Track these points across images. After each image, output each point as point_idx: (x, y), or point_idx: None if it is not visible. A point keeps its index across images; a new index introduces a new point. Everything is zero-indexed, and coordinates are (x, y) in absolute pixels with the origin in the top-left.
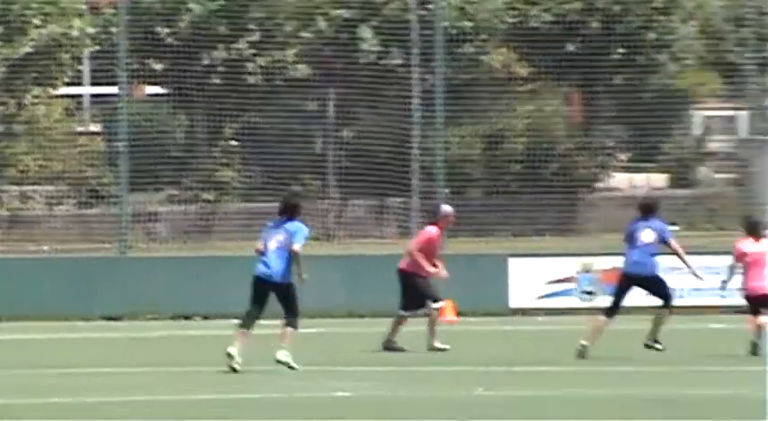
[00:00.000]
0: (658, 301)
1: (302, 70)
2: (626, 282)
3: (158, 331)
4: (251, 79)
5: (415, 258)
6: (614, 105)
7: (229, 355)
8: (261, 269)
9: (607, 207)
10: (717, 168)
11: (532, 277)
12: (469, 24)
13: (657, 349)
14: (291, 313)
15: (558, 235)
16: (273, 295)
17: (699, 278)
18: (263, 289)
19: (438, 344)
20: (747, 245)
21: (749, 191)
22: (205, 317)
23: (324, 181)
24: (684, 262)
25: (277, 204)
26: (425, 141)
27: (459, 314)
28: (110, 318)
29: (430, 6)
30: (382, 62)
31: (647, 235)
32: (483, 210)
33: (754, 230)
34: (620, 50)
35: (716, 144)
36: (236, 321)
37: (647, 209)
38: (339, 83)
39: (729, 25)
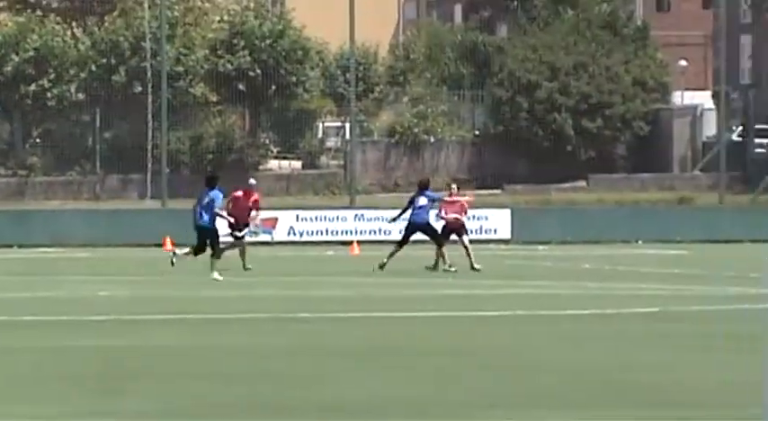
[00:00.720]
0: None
1: (80, 96)
2: (411, 227)
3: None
4: (49, 103)
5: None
6: (270, 119)
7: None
8: (198, 220)
9: (266, 180)
10: (332, 157)
11: (222, 222)
12: (182, 69)
13: (453, 271)
14: (214, 247)
15: None
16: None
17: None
18: (199, 232)
19: None
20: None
21: (351, 170)
22: (20, 245)
23: (93, 163)
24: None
25: (66, 178)
26: (156, 139)
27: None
28: None
29: (158, 58)
30: (130, 91)
31: (422, 200)
32: (190, 182)
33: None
34: (273, 87)
35: (331, 143)
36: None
37: (422, 185)
38: (102, 104)
39: (340, 70)
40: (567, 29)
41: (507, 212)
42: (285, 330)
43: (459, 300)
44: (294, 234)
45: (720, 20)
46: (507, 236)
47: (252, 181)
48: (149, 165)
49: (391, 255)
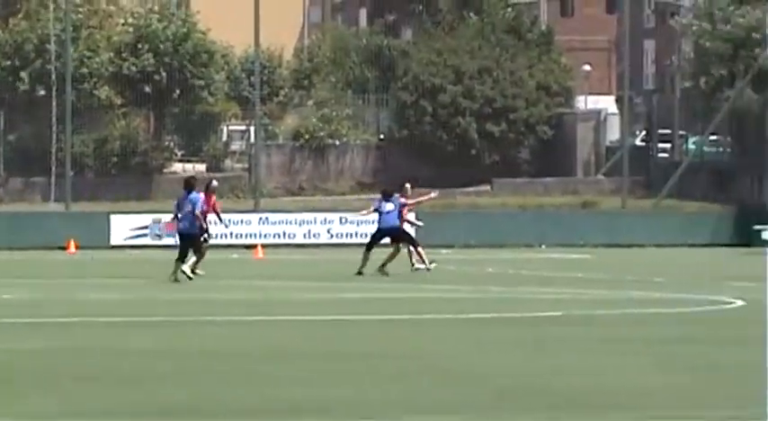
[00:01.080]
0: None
1: None
2: (380, 234)
3: None
4: None
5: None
6: (175, 122)
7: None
8: (179, 226)
9: (170, 183)
10: (236, 160)
11: (125, 225)
12: (86, 71)
13: (387, 274)
14: (197, 251)
15: (140, 200)
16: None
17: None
18: (181, 238)
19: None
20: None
21: (256, 174)
22: None
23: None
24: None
25: None
26: (60, 142)
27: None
28: None
29: (62, 61)
30: (34, 94)
31: (389, 206)
32: (94, 185)
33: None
34: (178, 90)
35: (235, 146)
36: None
37: (387, 193)
38: (6, 106)
39: (245, 73)
40: (471, 33)
41: (411, 216)
42: (187, 333)
43: (363, 304)
44: None
45: (624, 25)
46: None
47: (214, 183)
48: (53, 168)
49: (365, 260)
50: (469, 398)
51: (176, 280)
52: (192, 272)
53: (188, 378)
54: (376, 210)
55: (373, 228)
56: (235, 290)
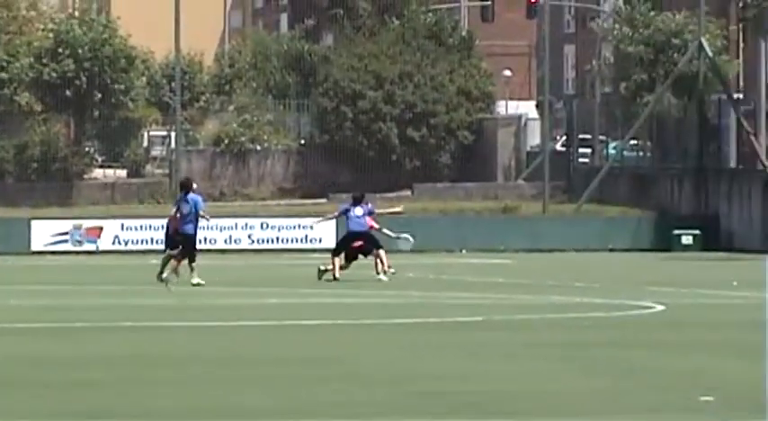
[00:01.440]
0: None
1: None
2: (350, 237)
3: None
4: None
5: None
6: (95, 128)
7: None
8: (184, 228)
9: (91, 189)
10: (157, 166)
11: (47, 231)
12: (6, 76)
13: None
14: (191, 255)
15: (61, 206)
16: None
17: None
18: (186, 240)
19: None
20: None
21: (177, 180)
22: None
23: None
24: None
25: None
26: None
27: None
28: None
29: None
30: None
31: (359, 210)
32: (14, 191)
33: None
34: (98, 95)
35: (156, 152)
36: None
37: (357, 198)
38: None
39: (165, 79)
40: (392, 38)
41: (332, 222)
42: (106, 339)
43: (281, 309)
44: (119, 243)
45: (544, 30)
46: (332, 245)
47: (194, 186)
48: None
49: (337, 266)
50: (390, 403)
51: (198, 283)
52: (162, 274)
53: (106, 384)
54: (343, 214)
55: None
56: (154, 295)
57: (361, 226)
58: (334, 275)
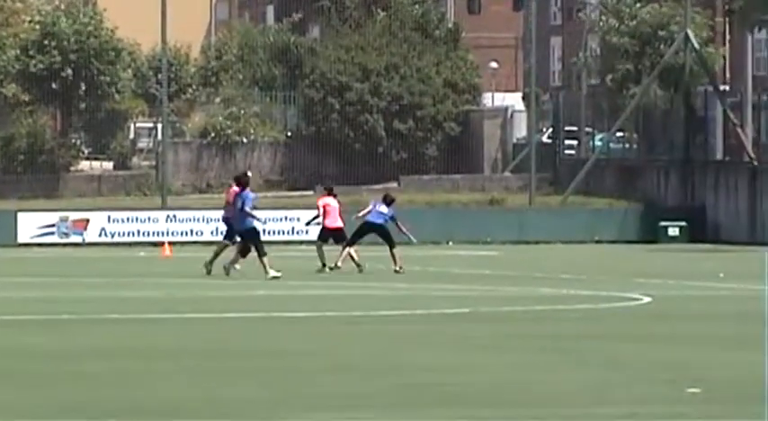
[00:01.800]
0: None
1: None
2: (366, 227)
3: None
4: None
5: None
6: (82, 120)
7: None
8: (236, 225)
9: (77, 181)
10: (144, 158)
11: (33, 223)
12: None
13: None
14: (258, 248)
15: (47, 198)
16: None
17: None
18: (242, 235)
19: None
20: (326, 199)
21: (163, 172)
22: None
23: None
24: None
25: None
26: None
27: None
28: None
29: None
30: None
31: (383, 208)
32: (1, 183)
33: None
34: (84, 87)
35: (143, 144)
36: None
37: (389, 199)
38: None
39: (152, 71)
40: (379, 30)
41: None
42: (93, 332)
43: (268, 302)
44: (106, 235)
45: (530, 22)
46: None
47: (249, 174)
48: None
49: (344, 255)
50: (377, 394)
51: (275, 276)
52: (209, 264)
53: (95, 377)
54: (371, 207)
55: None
56: (141, 287)
57: (380, 218)
58: (336, 264)
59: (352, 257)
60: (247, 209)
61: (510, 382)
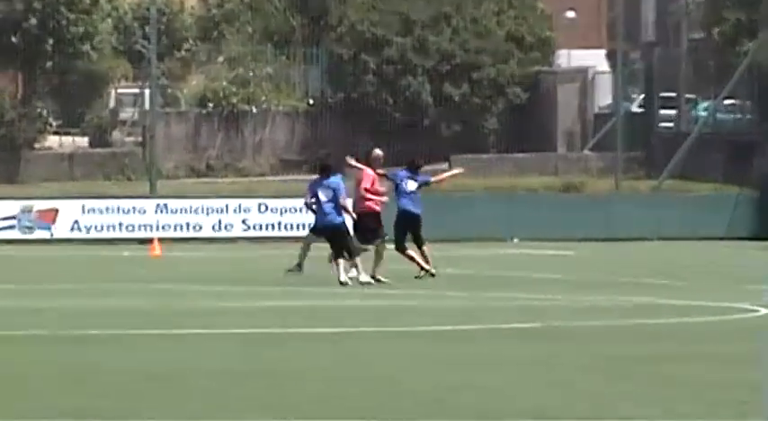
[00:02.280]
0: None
1: None
2: (407, 220)
3: None
4: None
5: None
6: (48, 84)
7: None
8: (321, 220)
9: (43, 161)
10: (127, 132)
11: None
12: None
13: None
14: (349, 251)
15: (6, 183)
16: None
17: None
18: (332, 232)
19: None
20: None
21: (151, 150)
22: None
23: None
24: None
25: None
26: None
27: None
28: None
29: None
30: None
31: (411, 184)
32: None
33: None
34: (51, 41)
35: (126, 114)
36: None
37: (414, 165)
38: None
39: (137, 22)
40: None
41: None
42: (63, 352)
43: (293, 314)
44: (79, 229)
45: None
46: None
47: (377, 151)
48: None
49: (418, 258)
50: None
51: (368, 282)
52: (374, 278)
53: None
54: (396, 188)
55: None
56: (124, 295)
57: (417, 205)
58: (423, 268)
59: (413, 258)
60: (342, 200)
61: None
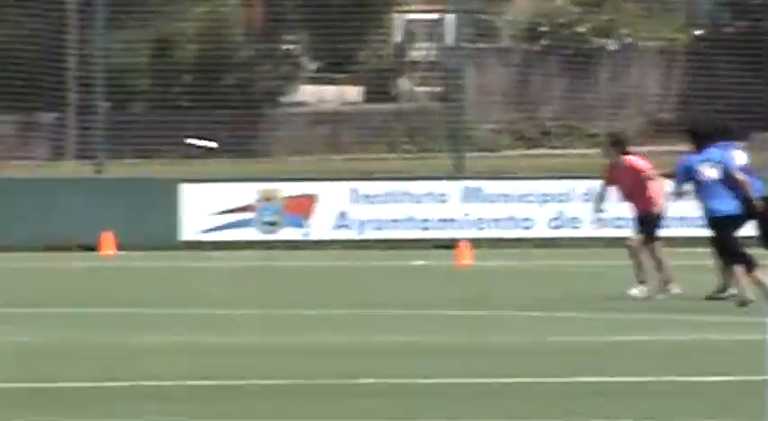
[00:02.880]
0: None
1: None
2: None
3: None
4: None
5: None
6: (300, 7)
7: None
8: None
9: (293, 125)
10: (419, 80)
11: (206, 205)
12: None
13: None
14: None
15: (237, 157)
16: None
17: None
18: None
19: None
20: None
21: (456, 106)
22: None
23: None
24: None
25: None
26: (83, 47)
27: (119, 247)
28: None
29: None
30: None
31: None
32: (149, 126)
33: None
34: None
35: (418, 52)
36: None
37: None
38: None
39: None
40: None
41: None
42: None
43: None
44: (347, 226)
45: None
46: None
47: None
48: (70, 96)
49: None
50: None
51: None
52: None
53: None
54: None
55: None
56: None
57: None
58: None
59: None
60: (739, 176)
61: None
